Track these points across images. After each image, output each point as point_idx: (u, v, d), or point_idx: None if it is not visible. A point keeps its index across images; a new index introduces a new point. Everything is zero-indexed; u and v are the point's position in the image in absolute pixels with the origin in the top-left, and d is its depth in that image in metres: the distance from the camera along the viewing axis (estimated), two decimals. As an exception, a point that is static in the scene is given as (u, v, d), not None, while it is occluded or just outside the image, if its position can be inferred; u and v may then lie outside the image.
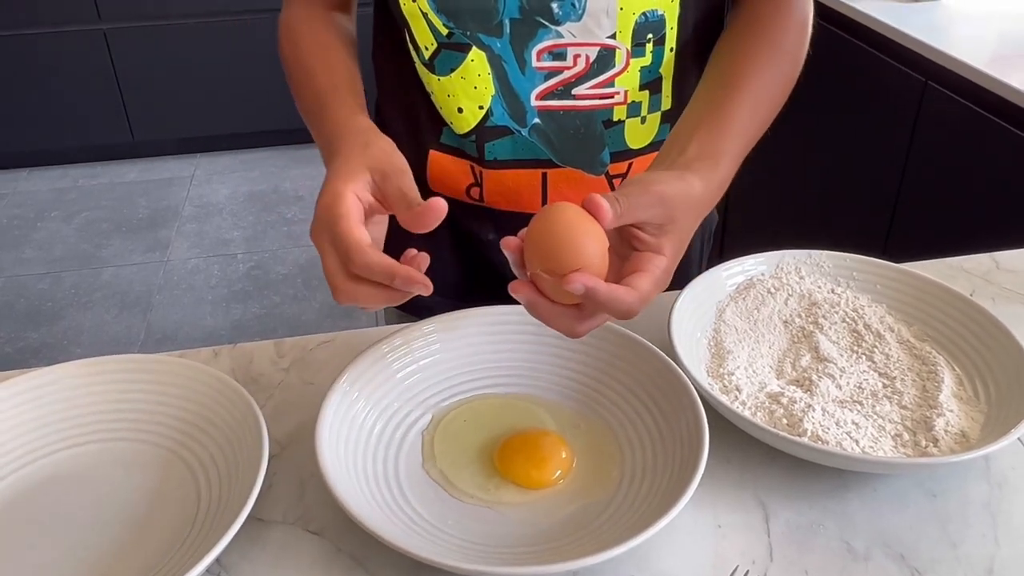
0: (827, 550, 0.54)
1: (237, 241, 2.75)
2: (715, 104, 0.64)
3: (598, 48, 0.70)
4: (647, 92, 0.74)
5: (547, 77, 0.71)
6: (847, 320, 0.70)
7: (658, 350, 0.63)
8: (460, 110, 0.74)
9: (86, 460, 0.61)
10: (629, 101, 0.73)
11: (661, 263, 0.54)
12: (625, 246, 0.55)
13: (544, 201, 0.78)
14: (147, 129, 3.13)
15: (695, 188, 0.57)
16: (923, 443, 0.59)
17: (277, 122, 3.16)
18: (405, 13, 0.71)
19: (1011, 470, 0.60)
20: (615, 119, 0.74)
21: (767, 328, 0.70)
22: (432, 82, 0.74)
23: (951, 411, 0.61)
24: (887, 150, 1.57)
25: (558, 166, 0.76)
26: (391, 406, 0.63)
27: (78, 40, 2.91)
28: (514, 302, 0.69)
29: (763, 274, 0.74)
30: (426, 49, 0.72)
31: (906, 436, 0.60)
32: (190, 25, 2.96)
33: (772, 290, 0.73)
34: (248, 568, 0.53)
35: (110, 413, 0.63)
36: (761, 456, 0.60)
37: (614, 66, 0.71)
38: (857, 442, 0.58)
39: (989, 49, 1.42)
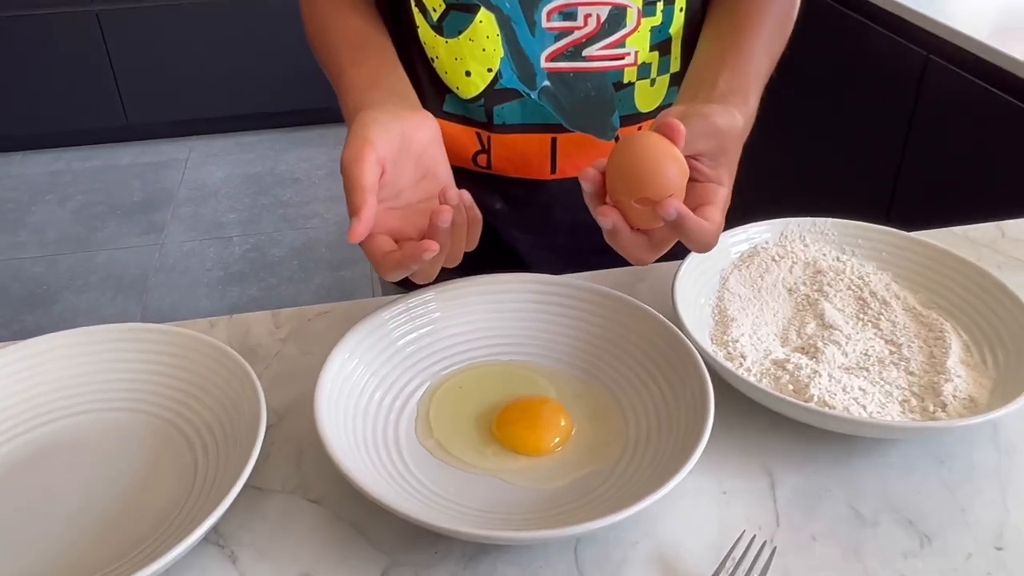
0: (834, 516, 0.54)
1: (233, 224, 2.73)
2: (732, 44, 0.66)
3: (609, 7, 0.69)
4: (656, 53, 0.73)
5: (557, 38, 0.70)
6: (852, 287, 0.69)
7: (662, 317, 0.62)
8: (468, 73, 0.73)
9: (82, 430, 0.60)
10: (639, 62, 0.73)
11: (723, 193, 0.57)
12: None
13: (553, 168, 0.77)
14: (141, 112, 3.10)
15: (738, 120, 0.58)
16: (931, 408, 0.58)
17: (273, 104, 3.13)
18: None
19: (1019, 436, 0.60)
20: (625, 81, 0.73)
21: (771, 296, 0.69)
22: (439, 45, 0.72)
23: (959, 376, 0.60)
24: (889, 124, 1.56)
25: (567, 131, 0.75)
26: (391, 374, 0.62)
27: (71, 22, 2.88)
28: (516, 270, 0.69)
29: (767, 242, 0.73)
30: (434, 11, 0.71)
31: (914, 401, 0.59)
32: (184, 6, 2.93)
33: (776, 258, 0.72)
34: (247, 536, 0.53)
35: (106, 383, 0.62)
36: (766, 423, 0.60)
37: (625, 26, 0.70)
38: (864, 407, 0.57)
39: (991, 21, 1.40)
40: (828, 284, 0.69)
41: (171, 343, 0.63)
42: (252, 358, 0.67)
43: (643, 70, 0.73)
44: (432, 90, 0.76)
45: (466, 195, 0.59)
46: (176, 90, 3.07)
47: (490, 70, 0.72)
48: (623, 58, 0.72)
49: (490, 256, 0.83)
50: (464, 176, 0.78)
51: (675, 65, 0.75)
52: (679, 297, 0.64)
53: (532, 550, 0.51)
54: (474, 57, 0.72)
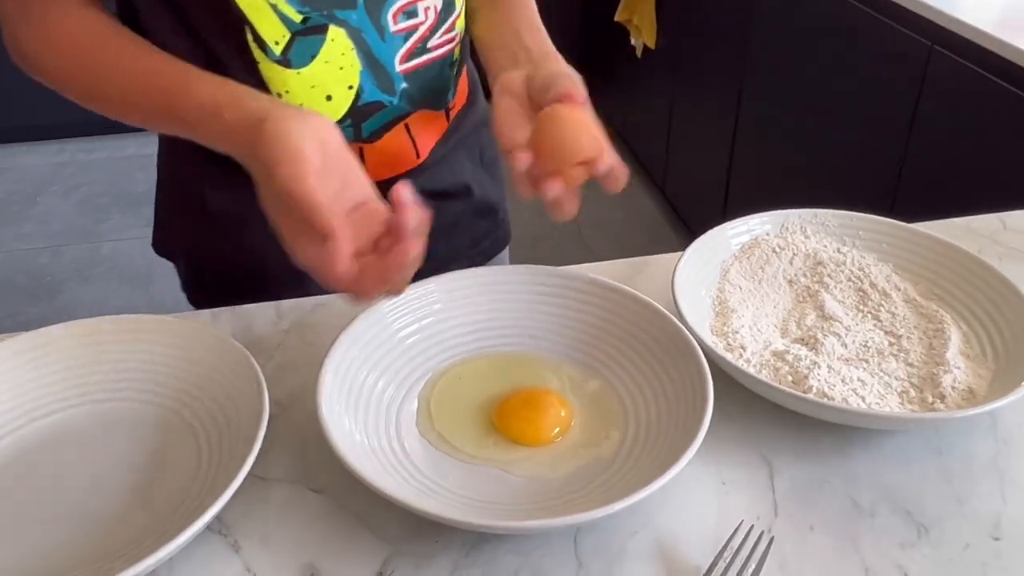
0: (832, 506, 0.54)
1: (237, 215, 2.74)
2: (519, 13, 0.73)
3: None
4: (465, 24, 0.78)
5: (406, 38, 0.71)
6: (853, 279, 0.70)
7: (662, 308, 0.63)
8: (329, 98, 0.70)
9: (86, 420, 0.61)
10: (461, 39, 0.77)
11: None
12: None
13: (417, 152, 0.78)
14: (145, 103, 3.10)
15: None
16: (930, 399, 0.58)
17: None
18: (245, 9, 0.64)
19: (1018, 427, 0.60)
20: (455, 58, 0.77)
21: (772, 287, 0.69)
22: (289, 79, 0.67)
23: (958, 368, 0.60)
24: (892, 115, 1.55)
25: (410, 111, 0.76)
26: (392, 365, 0.62)
27: (74, 12, 2.88)
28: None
29: (768, 233, 0.74)
30: (276, 44, 0.66)
31: (912, 393, 0.59)
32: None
33: (777, 249, 0.72)
34: (250, 526, 0.53)
35: (110, 373, 0.62)
36: (766, 414, 0.60)
37: (455, 9, 0.74)
38: (863, 399, 0.58)
39: (995, 12, 1.40)
40: (828, 275, 0.70)
41: (175, 334, 0.63)
42: (255, 349, 0.67)
43: (463, 43, 0.77)
44: None
45: (406, 191, 0.55)
46: (180, 81, 3.07)
47: (351, 87, 0.70)
48: (455, 40, 0.75)
49: None
50: None
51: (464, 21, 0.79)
52: (679, 288, 0.64)
53: (532, 539, 0.52)
54: (334, 79, 0.69)
